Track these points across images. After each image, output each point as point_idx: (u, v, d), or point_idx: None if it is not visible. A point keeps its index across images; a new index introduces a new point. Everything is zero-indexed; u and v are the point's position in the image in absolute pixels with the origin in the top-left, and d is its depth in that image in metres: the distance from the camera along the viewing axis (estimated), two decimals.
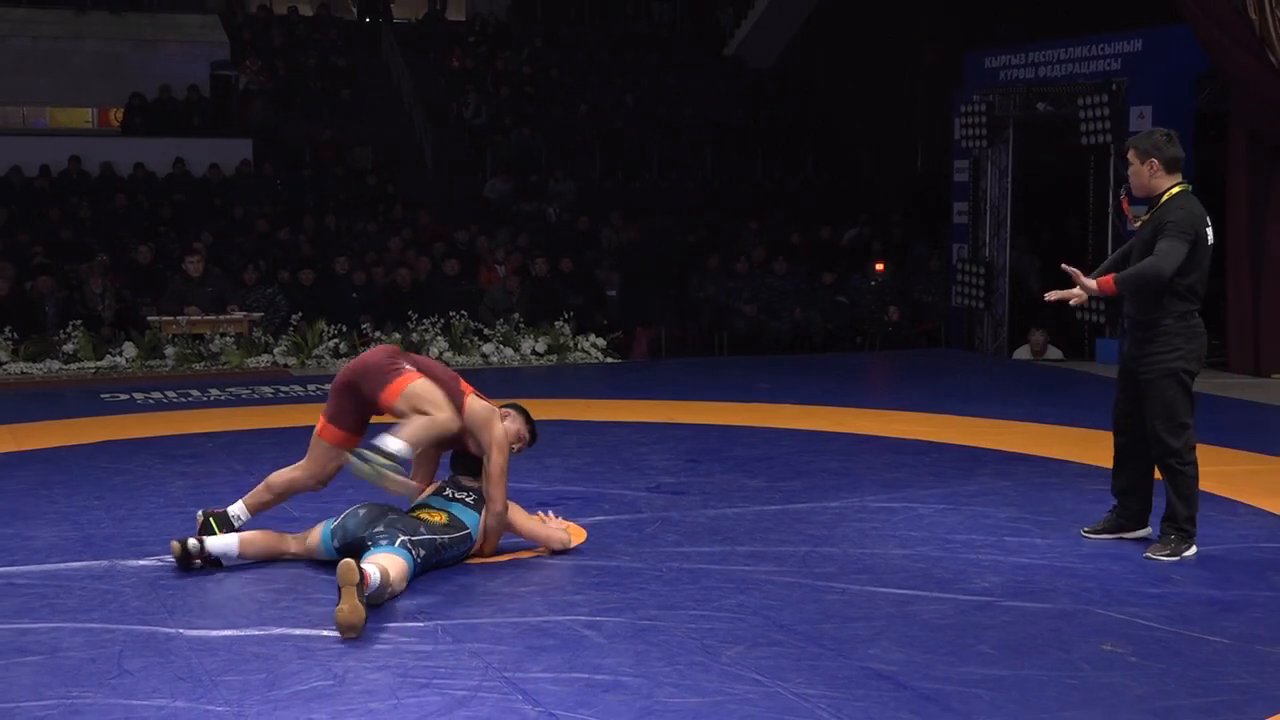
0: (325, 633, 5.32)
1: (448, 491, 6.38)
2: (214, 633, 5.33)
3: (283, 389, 12.05)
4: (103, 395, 11.65)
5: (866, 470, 8.44)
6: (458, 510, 6.27)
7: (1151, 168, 6.53)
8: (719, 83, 23.79)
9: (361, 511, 6.11)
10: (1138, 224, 6.62)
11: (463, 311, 14.47)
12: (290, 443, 9.28)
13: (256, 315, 14.17)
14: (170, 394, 11.65)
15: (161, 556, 6.39)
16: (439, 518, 6.20)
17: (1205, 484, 7.89)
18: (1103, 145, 14.21)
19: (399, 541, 5.90)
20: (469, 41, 24.03)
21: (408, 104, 22.61)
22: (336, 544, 6.08)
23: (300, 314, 14.02)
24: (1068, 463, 8.59)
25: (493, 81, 22.46)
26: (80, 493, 7.85)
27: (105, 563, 6.34)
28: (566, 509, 7.33)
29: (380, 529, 5.97)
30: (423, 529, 6.07)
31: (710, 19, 25.96)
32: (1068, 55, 15.28)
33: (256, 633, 5.34)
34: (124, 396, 11.55)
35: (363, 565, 5.42)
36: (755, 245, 17.47)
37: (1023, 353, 14.61)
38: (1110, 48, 14.71)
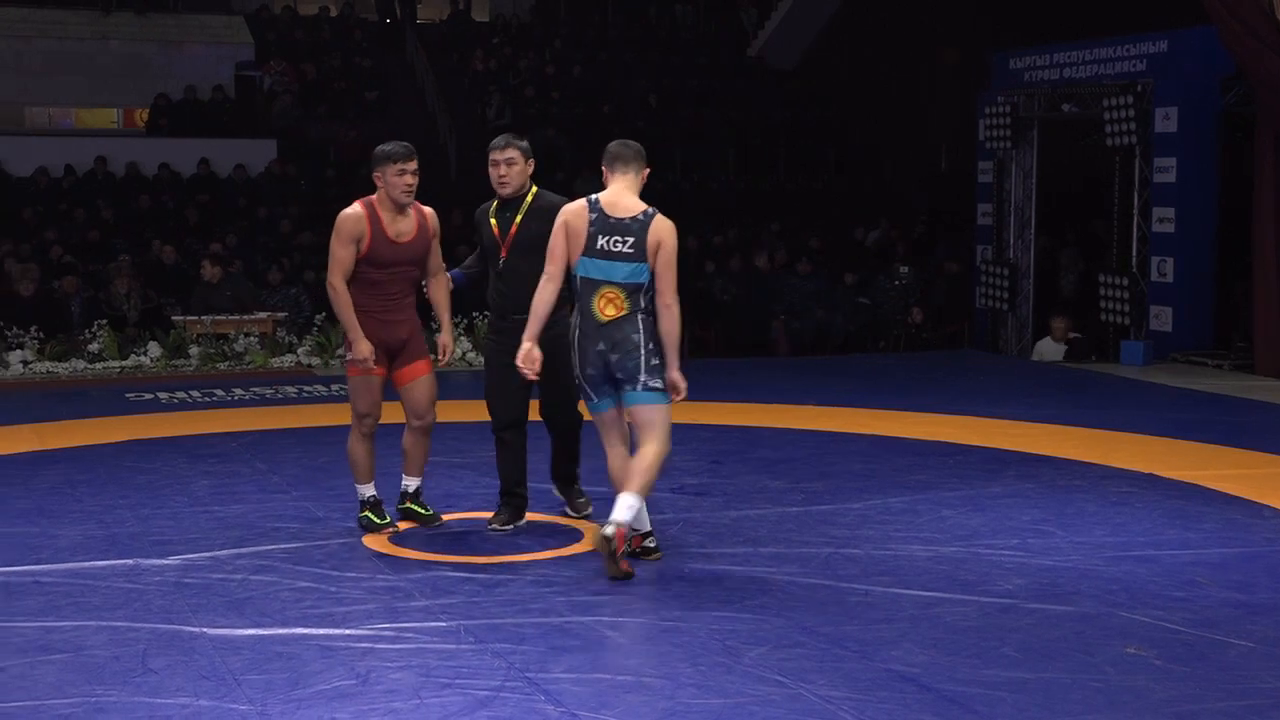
0: (348, 632, 5.33)
1: (600, 241, 6.14)
2: (238, 632, 5.35)
3: (306, 389, 12.08)
4: (127, 395, 11.69)
5: (890, 472, 8.42)
6: (623, 273, 6.12)
7: (530, 166, 6.87)
8: (742, 83, 23.77)
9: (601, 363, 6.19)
10: (514, 228, 6.82)
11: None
12: (313, 442, 9.34)
13: (280, 315, 14.21)
14: (194, 394, 11.69)
15: (185, 556, 6.42)
16: (617, 305, 6.12)
17: (1230, 487, 7.90)
18: (1128, 146, 14.16)
19: (640, 385, 6.13)
20: (493, 42, 24.06)
21: (431, 104, 22.65)
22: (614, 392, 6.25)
23: (324, 314, 14.03)
24: (1092, 465, 8.56)
25: (516, 81, 22.49)
26: (105, 492, 7.88)
27: (130, 562, 6.37)
28: (590, 509, 7.33)
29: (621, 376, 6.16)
30: (634, 340, 6.11)
31: (733, 20, 25.95)
32: (1093, 56, 15.24)
33: (280, 632, 5.35)
34: (149, 396, 11.59)
35: (612, 527, 5.90)
36: (778, 246, 17.45)
37: (1044, 344, 14.52)
38: (1136, 49, 14.67)
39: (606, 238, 6.13)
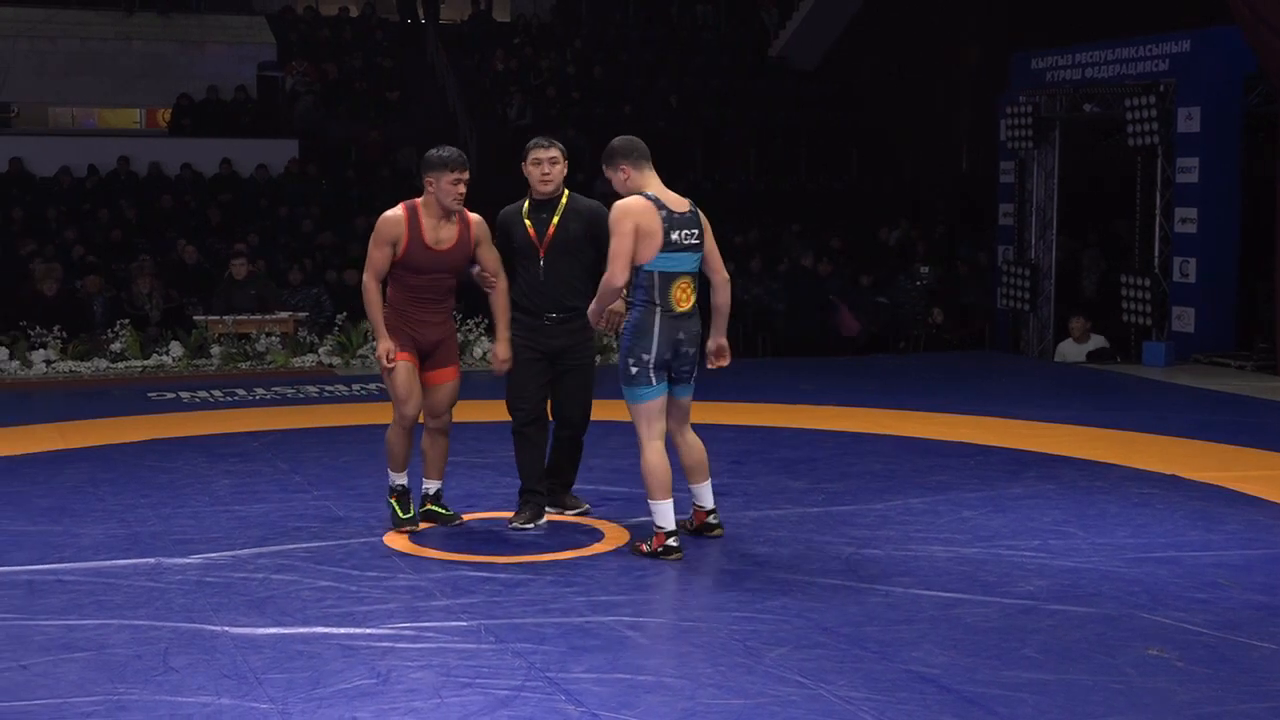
0: (369, 631, 5.35)
1: (674, 236, 6.32)
2: (259, 631, 5.37)
3: (327, 388, 12.11)
4: (149, 394, 11.74)
5: (911, 472, 8.41)
6: (691, 263, 6.40)
7: (565, 167, 6.93)
8: (763, 84, 23.76)
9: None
10: (551, 229, 6.88)
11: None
12: (335, 442, 9.36)
13: (302, 315, 14.25)
14: (216, 393, 11.73)
15: (207, 555, 6.44)
16: (688, 295, 6.39)
17: (1252, 488, 7.86)
18: (1150, 147, 14.11)
19: (692, 379, 6.52)
20: (513, 42, 24.09)
21: (452, 104, 22.69)
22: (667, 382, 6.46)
23: (345, 314, 14.07)
24: (1113, 466, 8.53)
25: (537, 82, 22.51)
26: (127, 491, 7.92)
27: (152, 560, 6.39)
28: (610, 509, 7.35)
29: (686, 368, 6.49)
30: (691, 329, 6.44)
31: (755, 20, 25.93)
32: (1115, 56, 15.18)
33: (301, 631, 5.37)
34: (170, 395, 11.64)
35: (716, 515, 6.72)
36: (799, 247, 17.44)
37: (1066, 346, 14.49)
38: (1158, 48, 14.61)
39: (679, 232, 6.34)
